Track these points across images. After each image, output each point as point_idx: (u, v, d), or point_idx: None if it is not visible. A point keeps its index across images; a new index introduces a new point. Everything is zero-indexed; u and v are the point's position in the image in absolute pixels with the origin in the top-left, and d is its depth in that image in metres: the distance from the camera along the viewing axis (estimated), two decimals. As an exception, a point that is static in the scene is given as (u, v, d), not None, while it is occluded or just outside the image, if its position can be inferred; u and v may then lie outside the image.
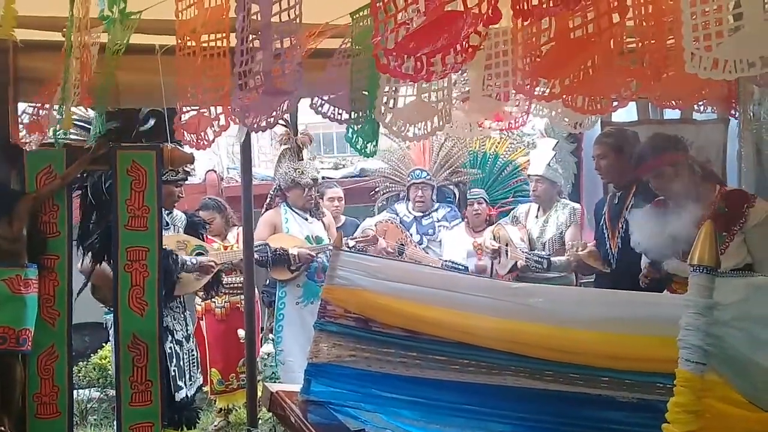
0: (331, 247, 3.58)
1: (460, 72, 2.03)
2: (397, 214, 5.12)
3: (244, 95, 1.95)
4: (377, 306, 2.51)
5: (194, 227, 4.07)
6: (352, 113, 2.47)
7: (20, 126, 2.84)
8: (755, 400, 1.36)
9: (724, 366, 1.34)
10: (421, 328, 2.49)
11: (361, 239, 4.81)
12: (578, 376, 2.43)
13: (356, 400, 2.50)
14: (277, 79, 1.82)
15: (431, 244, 4.97)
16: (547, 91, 1.96)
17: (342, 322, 2.54)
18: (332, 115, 2.52)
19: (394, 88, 1.86)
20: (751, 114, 3.49)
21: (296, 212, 4.75)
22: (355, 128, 2.49)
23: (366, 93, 2.35)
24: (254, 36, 1.93)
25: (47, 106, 2.56)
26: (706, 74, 1.55)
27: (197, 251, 3.90)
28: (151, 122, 3.44)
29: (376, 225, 5.07)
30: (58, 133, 2.54)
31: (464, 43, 1.23)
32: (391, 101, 1.89)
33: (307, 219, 4.77)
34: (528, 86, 1.97)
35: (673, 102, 3.41)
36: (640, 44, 2.49)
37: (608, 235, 3.58)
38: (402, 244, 4.86)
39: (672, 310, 2.43)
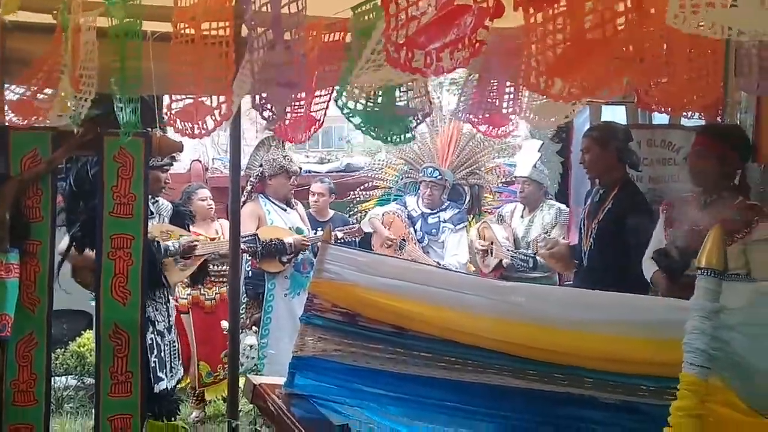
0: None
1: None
2: (406, 207, 5.09)
3: (261, 87, 1.93)
4: (365, 301, 2.49)
5: (180, 217, 4.03)
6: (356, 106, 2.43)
7: (6, 108, 2.78)
8: (756, 406, 1.36)
9: (728, 371, 1.33)
10: (408, 325, 2.48)
11: (348, 231, 4.83)
12: (562, 376, 2.43)
13: (341, 395, 2.48)
14: (288, 72, 1.80)
15: (433, 243, 4.96)
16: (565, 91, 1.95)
17: (329, 316, 2.51)
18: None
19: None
20: (738, 122, 3.52)
21: (275, 203, 4.78)
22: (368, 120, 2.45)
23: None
24: (263, 28, 1.90)
25: (47, 90, 2.50)
26: (689, 30, 1.52)
27: (181, 240, 3.87)
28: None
29: (383, 215, 5.07)
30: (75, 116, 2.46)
31: (472, 37, 1.22)
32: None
33: (285, 210, 4.80)
34: (544, 85, 1.96)
35: (662, 108, 3.44)
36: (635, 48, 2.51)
37: (583, 231, 3.62)
38: (403, 240, 4.85)
39: (658, 313, 2.49)
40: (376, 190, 5.69)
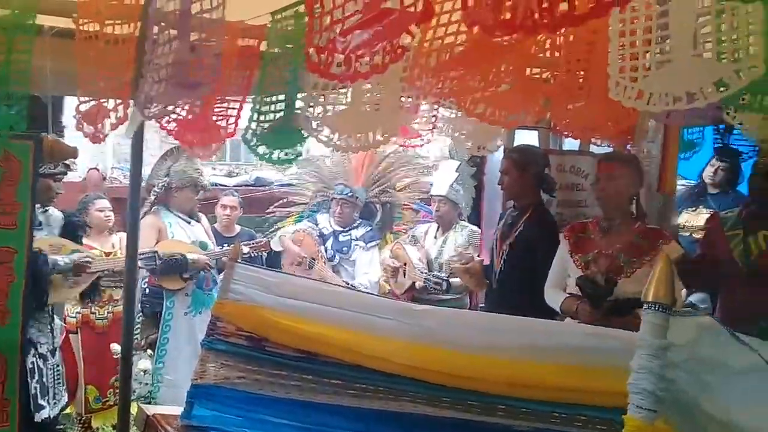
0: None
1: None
2: (317, 225, 4.98)
3: (151, 86, 1.77)
4: (273, 324, 2.34)
5: (71, 229, 3.73)
6: (258, 118, 2.33)
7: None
8: (697, 446, 1.31)
9: (673, 411, 1.27)
10: (318, 349, 2.35)
11: (254, 245, 4.67)
12: (476, 403, 2.39)
13: (243, 426, 2.31)
14: (192, 71, 1.66)
15: (344, 262, 4.88)
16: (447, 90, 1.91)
17: (233, 340, 2.34)
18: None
19: (322, 94, 1.75)
20: (645, 150, 3.62)
21: (178, 216, 4.55)
22: (258, 134, 2.34)
23: (281, 98, 2.22)
24: (164, 25, 1.76)
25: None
26: (630, 103, 1.54)
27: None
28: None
29: (294, 233, 4.93)
30: None
31: (394, 42, 1.13)
32: (320, 107, 1.78)
33: (189, 222, 4.59)
34: (425, 83, 1.91)
35: (573, 133, 3.49)
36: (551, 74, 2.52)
37: (495, 252, 3.62)
38: (313, 259, 4.72)
39: (568, 338, 2.48)
40: (294, 207, 5.53)
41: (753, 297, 3.07)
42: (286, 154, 2.24)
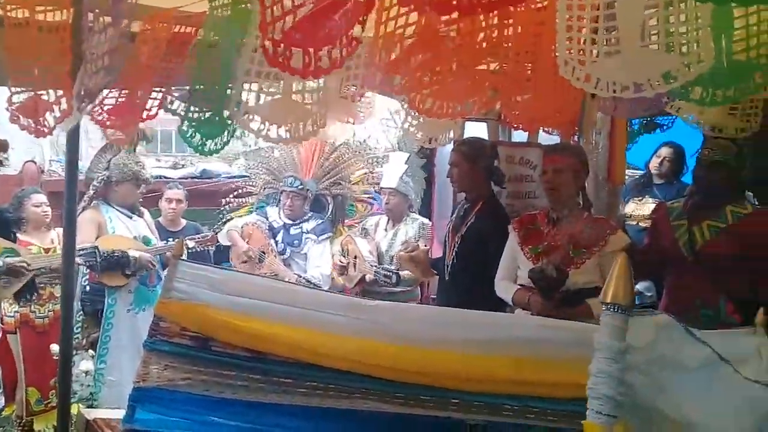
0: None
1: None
2: (267, 218, 4.87)
3: (90, 78, 1.68)
4: (219, 323, 2.26)
5: (5, 225, 3.56)
6: (191, 107, 2.25)
7: None
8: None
9: (632, 415, 1.24)
10: (267, 348, 2.28)
11: (200, 240, 4.56)
12: (428, 398, 2.36)
13: (189, 429, 2.23)
14: (114, 58, 1.58)
15: (295, 255, 4.78)
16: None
17: (177, 341, 2.25)
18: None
19: (255, 82, 1.69)
20: (593, 142, 3.66)
21: (119, 210, 4.40)
22: (194, 123, 2.26)
23: (216, 87, 2.14)
24: (98, 12, 1.67)
25: None
26: (579, 84, 1.53)
27: (6, 255, 3.41)
28: None
29: (243, 226, 4.83)
30: None
31: (349, 34, 1.08)
32: (251, 97, 1.72)
33: (131, 217, 4.44)
34: (369, 74, 1.89)
35: (522, 124, 3.49)
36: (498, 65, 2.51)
37: (448, 245, 3.61)
38: (263, 252, 4.62)
39: (523, 331, 2.48)
40: (246, 198, 5.38)
41: (697, 286, 3.14)
42: (218, 144, 2.16)
